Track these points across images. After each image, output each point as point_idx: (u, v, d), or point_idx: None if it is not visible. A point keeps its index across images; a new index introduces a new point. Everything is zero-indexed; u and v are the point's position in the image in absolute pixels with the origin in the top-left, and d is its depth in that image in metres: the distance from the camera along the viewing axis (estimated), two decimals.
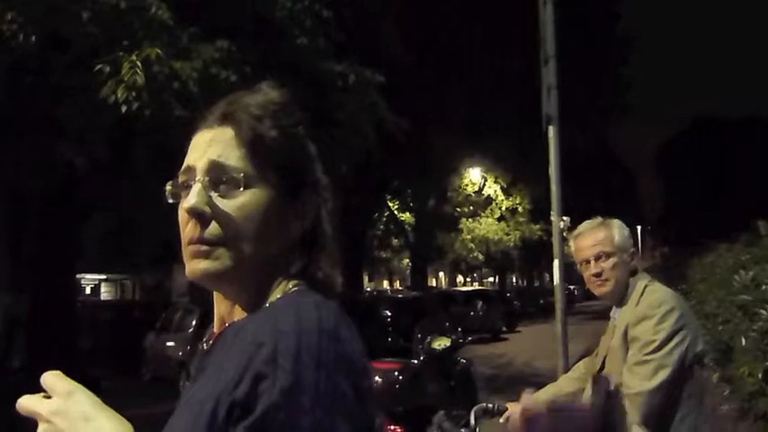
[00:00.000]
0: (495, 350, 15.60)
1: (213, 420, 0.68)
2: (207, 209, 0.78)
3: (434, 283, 44.56)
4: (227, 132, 0.81)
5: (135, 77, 5.57)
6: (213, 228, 0.79)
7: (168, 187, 0.84)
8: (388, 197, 23.63)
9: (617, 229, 2.21)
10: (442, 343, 5.86)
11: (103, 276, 30.94)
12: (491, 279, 48.69)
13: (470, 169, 24.31)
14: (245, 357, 0.69)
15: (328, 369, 0.69)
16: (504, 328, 20.44)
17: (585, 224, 2.27)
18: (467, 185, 24.94)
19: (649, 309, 2.04)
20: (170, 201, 0.84)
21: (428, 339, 5.79)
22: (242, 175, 0.79)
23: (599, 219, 2.27)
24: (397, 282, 48.87)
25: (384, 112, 8.70)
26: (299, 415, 0.66)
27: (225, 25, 6.97)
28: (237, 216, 0.78)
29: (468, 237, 25.38)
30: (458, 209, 25.30)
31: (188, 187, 0.80)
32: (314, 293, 0.79)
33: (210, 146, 0.81)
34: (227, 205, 0.79)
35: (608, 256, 2.14)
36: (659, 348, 1.97)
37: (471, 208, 25.35)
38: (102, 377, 10.40)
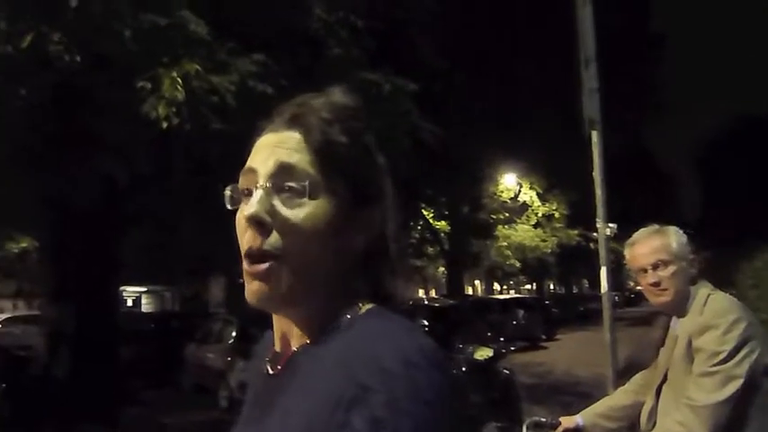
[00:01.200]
0: (535, 359, 15.36)
1: None
2: (268, 217, 0.73)
3: (470, 291, 44.23)
4: (294, 136, 0.77)
5: (175, 93, 5.67)
6: (274, 238, 0.74)
7: (227, 192, 0.79)
8: (423, 205, 23.58)
9: (674, 236, 2.14)
10: (484, 353, 5.79)
11: (144, 288, 31.53)
12: (528, 286, 48.11)
13: (505, 175, 24.11)
14: (348, 397, 0.63)
15: (444, 405, 0.65)
16: (543, 336, 20.12)
17: (641, 232, 2.20)
18: (502, 192, 24.73)
19: (714, 318, 1.97)
20: (229, 206, 0.79)
21: (470, 349, 5.73)
22: (308, 182, 0.74)
23: (655, 226, 2.21)
24: (433, 290, 48.71)
25: (418, 120, 8.69)
26: None
27: (261, 39, 7.05)
28: (301, 226, 0.73)
29: (504, 244, 25.14)
30: (493, 216, 25.09)
31: (249, 194, 0.76)
32: (394, 315, 0.74)
33: (276, 150, 0.76)
34: (291, 214, 0.74)
35: (666, 264, 2.08)
36: (727, 359, 1.89)
37: (507, 214, 25.12)
38: (144, 387, 10.57)
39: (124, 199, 8.87)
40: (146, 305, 33.26)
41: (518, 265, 27.11)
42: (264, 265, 0.74)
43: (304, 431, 0.66)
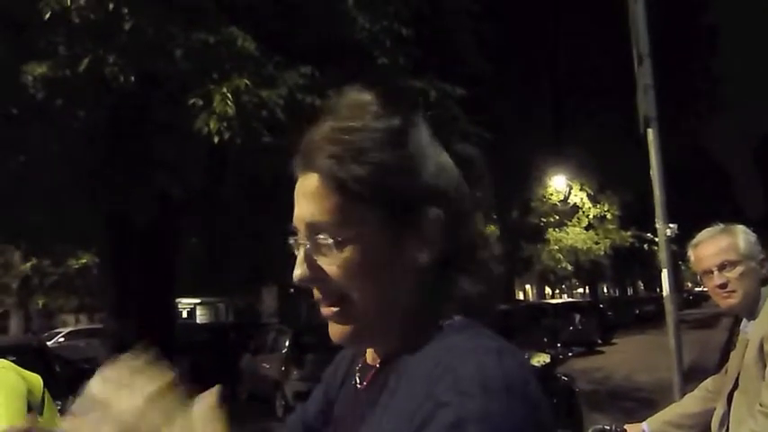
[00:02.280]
0: (592, 364, 14.99)
1: None
2: (314, 276, 0.73)
3: (522, 296, 43.63)
4: (312, 181, 0.73)
5: (226, 108, 5.79)
6: (328, 291, 0.73)
7: (291, 241, 0.78)
8: None
9: (742, 236, 2.05)
10: (541, 359, 5.68)
11: (198, 300, 32.26)
12: (580, 290, 47.15)
13: (555, 177, 23.71)
14: (422, 415, 0.61)
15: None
16: (600, 341, 19.64)
17: (706, 232, 2.11)
18: (552, 194, 24.33)
19: None
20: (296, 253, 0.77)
21: (526, 356, 5.62)
22: (336, 233, 0.71)
23: (720, 225, 2.11)
24: None
25: (465, 124, 8.64)
26: None
27: (307, 51, 7.15)
28: (346, 275, 0.71)
29: (556, 247, 24.68)
30: (543, 219, 24.69)
31: (299, 246, 0.75)
32: (480, 330, 0.70)
33: (302, 202, 0.74)
34: (335, 268, 0.72)
35: (733, 264, 1.99)
36: None
37: (557, 217, 24.67)
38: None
39: (179, 213, 9.10)
40: (200, 316, 34.02)
41: (570, 268, 26.58)
42: (334, 309, 0.74)
43: None
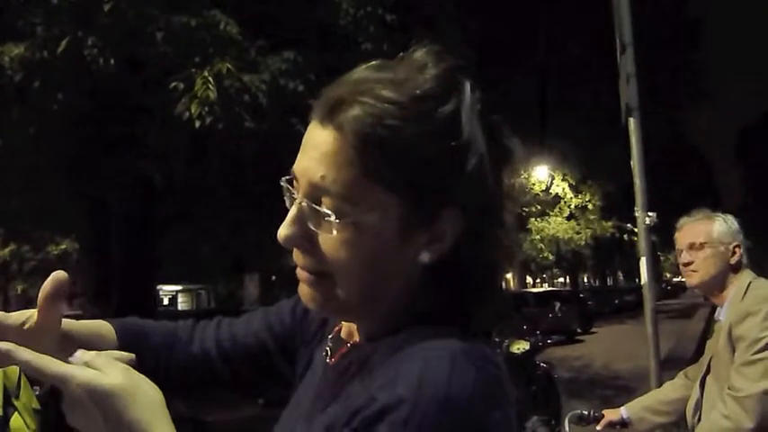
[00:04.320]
0: (572, 352, 15.18)
1: None
2: (301, 241, 0.65)
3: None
4: (331, 139, 0.62)
5: (207, 92, 5.72)
6: (312, 261, 0.65)
7: (283, 184, 0.68)
8: None
9: (718, 223, 2.15)
10: (520, 346, 5.72)
11: (180, 287, 32.08)
12: (561, 279, 47.56)
13: (537, 167, 23.83)
14: (356, 408, 0.58)
15: None
16: (579, 330, 19.86)
17: (690, 215, 2.23)
18: (533, 184, 24.46)
19: (754, 305, 1.95)
20: (286, 204, 0.68)
21: (506, 343, 5.67)
22: (342, 210, 0.61)
23: (707, 211, 2.22)
24: None
25: None
26: None
27: (290, 36, 7.08)
28: (340, 253, 0.63)
29: (538, 237, 24.85)
30: (525, 209, 24.83)
31: (293, 200, 0.66)
32: (456, 335, 0.62)
33: (311, 156, 0.63)
34: (327, 243, 0.63)
35: (702, 246, 2.11)
36: None
37: (539, 207, 24.82)
38: None
39: (161, 200, 9.01)
40: (182, 303, 33.86)
41: (552, 257, 26.79)
42: (310, 276, 0.66)
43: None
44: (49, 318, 0.67)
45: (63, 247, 19.02)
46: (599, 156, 19.83)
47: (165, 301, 31.90)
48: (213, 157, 7.55)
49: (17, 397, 1.54)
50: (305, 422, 0.71)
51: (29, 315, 0.69)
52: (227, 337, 0.90)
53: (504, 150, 0.69)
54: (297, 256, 0.67)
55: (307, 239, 0.65)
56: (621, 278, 51.87)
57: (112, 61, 5.82)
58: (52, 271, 0.67)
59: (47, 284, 0.66)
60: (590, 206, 25.30)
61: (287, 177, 0.68)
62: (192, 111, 5.81)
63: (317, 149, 0.63)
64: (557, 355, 13.00)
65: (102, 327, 0.82)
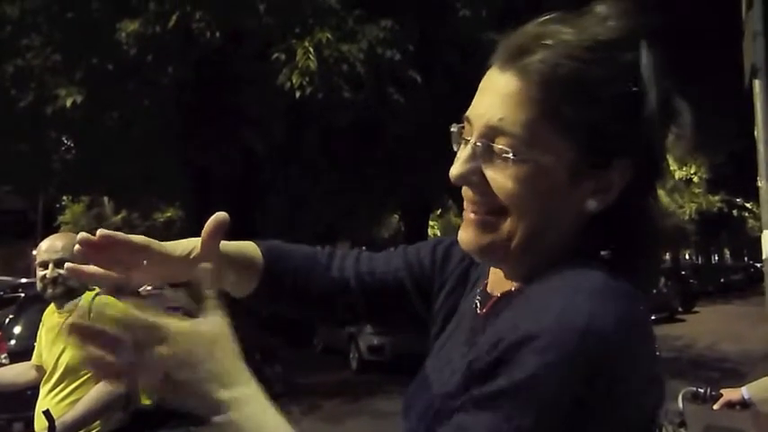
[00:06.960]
0: (672, 332, 14.51)
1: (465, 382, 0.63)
2: (473, 179, 0.67)
3: None
4: (513, 82, 0.64)
5: (308, 62, 5.82)
6: (485, 199, 0.67)
7: (453, 129, 0.71)
8: None
9: None
10: None
11: None
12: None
13: None
14: (501, 332, 0.59)
15: (578, 377, 0.55)
16: (680, 309, 18.96)
17: None
18: None
19: None
20: (454, 148, 0.71)
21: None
22: (519, 149, 0.64)
23: None
24: None
25: None
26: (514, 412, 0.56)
27: (387, 4, 7.04)
28: (512, 193, 0.65)
29: None
30: None
31: (465, 142, 0.68)
32: (605, 272, 0.62)
33: (490, 99, 0.66)
34: (502, 179, 0.65)
35: None
36: None
37: None
38: (279, 346, 11.20)
39: (261, 168, 9.32)
40: None
41: None
42: (481, 217, 0.68)
43: (465, 371, 0.64)
44: (210, 250, 0.75)
45: (168, 214, 20.14)
46: (709, 123, 18.61)
47: None
48: (309, 127, 7.70)
49: None
50: (452, 366, 0.73)
51: (194, 245, 0.78)
52: (366, 271, 0.93)
53: (673, 112, 0.69)
54: (468, 196, 0.70)
55: (479, 178, 0.67)
56: (728, 256, 48.95)
57: (218, 34, 6.02)
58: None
59: (210, 223, 0.73)
60: (695, 179, 23.90)
61: (457, 126, 0.71)
62: (294, 81, 5.93)
63: (497, 93, 0.66)
64: (657, 334, 12.48)
65: (249, 247, 0.91)
